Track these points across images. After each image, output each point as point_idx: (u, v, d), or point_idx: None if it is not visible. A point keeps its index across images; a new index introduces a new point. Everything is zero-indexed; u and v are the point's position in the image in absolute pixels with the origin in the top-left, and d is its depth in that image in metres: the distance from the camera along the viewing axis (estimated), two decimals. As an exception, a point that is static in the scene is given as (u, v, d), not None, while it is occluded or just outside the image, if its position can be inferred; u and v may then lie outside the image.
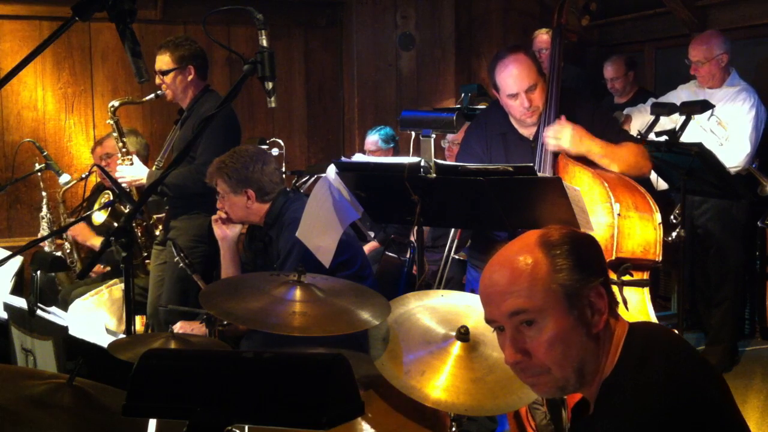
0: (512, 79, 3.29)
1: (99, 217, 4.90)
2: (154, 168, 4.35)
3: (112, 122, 4.39)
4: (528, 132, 3.45)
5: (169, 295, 4.15)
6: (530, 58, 3.35)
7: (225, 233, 3.71)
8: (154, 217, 4.61)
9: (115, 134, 4.41)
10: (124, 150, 4.36)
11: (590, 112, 3.41)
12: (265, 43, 2.38)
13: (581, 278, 1.59)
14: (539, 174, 3.13)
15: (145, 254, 4.58)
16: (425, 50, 6.93)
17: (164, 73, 4.22)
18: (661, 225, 3.15)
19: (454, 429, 2.42)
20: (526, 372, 1.63)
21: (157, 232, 4.59)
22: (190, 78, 4.23)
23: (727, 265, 5.08)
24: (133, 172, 4.29)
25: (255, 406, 1.14)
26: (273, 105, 2.43)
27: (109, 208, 4.84)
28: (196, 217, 4.19)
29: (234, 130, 4.25)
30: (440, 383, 2.32)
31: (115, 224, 4.76)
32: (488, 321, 1.68)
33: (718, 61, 4.89)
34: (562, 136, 3.22)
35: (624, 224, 3.07)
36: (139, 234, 4.53)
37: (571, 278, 1.58)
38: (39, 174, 5.45)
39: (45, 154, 5.39)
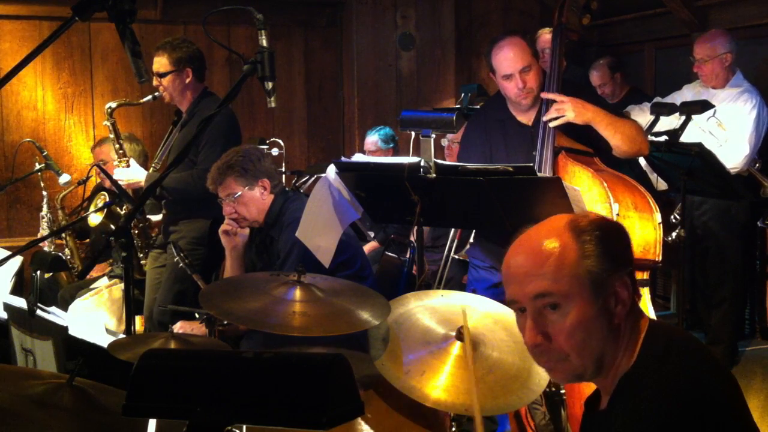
0: (507, 60, 3.37)
1: (95, 218, 4.90)
2: (151, 170, 4.35)
3: (108, 124, 4.38)
4: (526, 118, 3.48)
5: (165, 295, 4.15)
6: (525, 41, 3.42)
7: (235, 242, 3.68)
8: (151, 218, 4.61)
9: (111, 136, 4.41)
10: (120, 152, 4.35)
11: (591, 97, 3.42)
12: (265, 43, 2.38)
13: (608, 267, 1.57)
14: (539, 174, 3.13)
15: (141, 255, 4.58)
16: (425, 50, 6.93)
17: (161, 75, 4.20)
18: (661, 225, 3.15)
19: (453, 429, 2.42)
20: (545, 356, 1.61)
21: (153, 234, 4.58)
22: (187, 80, 4.22)
23: (726, 265, 5.08)
24: (130, 174, 4.29)
25: (255, 406, 1.14)
26: (273, 105, 2.43)
27: (106, 210, 4.84)
28: (196, 221, 4.19)
29: (235, 134, 4.24)
30: (440, 383, 2.32)
31: (112, 226, 4.78)
32: (509, 301, 1.66)
33: (722, 60, 4.88)
34: (564, 107, 3.24)
35: (623, 224, 3.07)
36: (135, 234, 4.52)
37: (598, 266, 1.57)
38: (39, 174, 5.46)
39: (45, 154, 5.39)
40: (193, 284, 3.75)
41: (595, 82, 5.98)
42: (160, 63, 4.21)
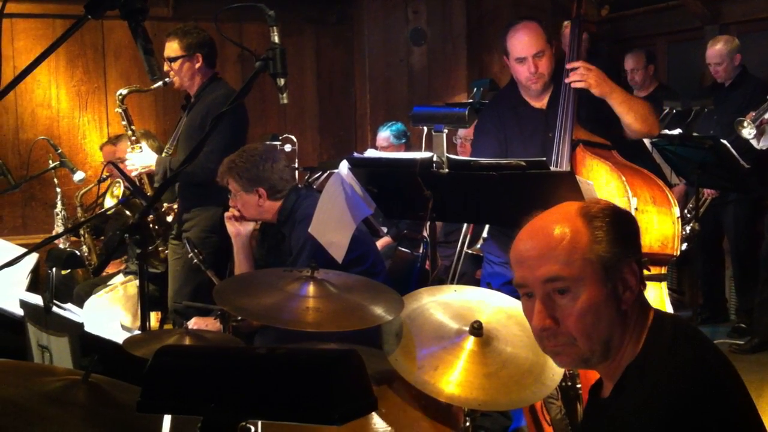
0: (521, 43, 3.40)
1: (108, 201, 4.95)
2: (163, 154, 4.38)
3: (120, 110, 4.42)
4: (540, 103, 3.50)
5: (181, 290, 4.18)
6: (541, 26, 3.45)
7: (238, 230, 3.72)
8: (165, 205, 4.63)
9: (124, 122, 4.44)
10: (133, 138, 4.39)
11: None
12: (276, 39, 2.38)
13: (619, 252, 1.59)
14: (556, 168, 3.12)
15: (158, 242, 4.61)
16: (436, 45, 6.91)
17: (172, 60, 4.23)
18: (679, 219, 3.13)
19: (467, 424, 2.42)
20: (552, 340, 1.62)
21: (170, 218, 4.61)
22: (197, 66, 4.24)
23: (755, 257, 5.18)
24: (143, 159, 4.33)
25: (268, 403, 1.14)
26: (285, 101, 2.43)
27: (122, 203, 4.88)
28: (209, 209, 4.21)
29: (242, 120, 4.25)
30: (454, 378, 2.31)
31: (128, 212, 4.82)
32: (518, 285, 1.67)
33: None
34: (589, 74, 3.26)
35: (641, 219, 3.05)
36: (151, 221, 4.54)
37: (609, 251, 1.58)
38: (54, 171, 5.49)
39: (59, 151, 5.42)
40: (206, 276, 3.78)
41: (628, 66, 6.05)
42: (171, 48, 4.24)
